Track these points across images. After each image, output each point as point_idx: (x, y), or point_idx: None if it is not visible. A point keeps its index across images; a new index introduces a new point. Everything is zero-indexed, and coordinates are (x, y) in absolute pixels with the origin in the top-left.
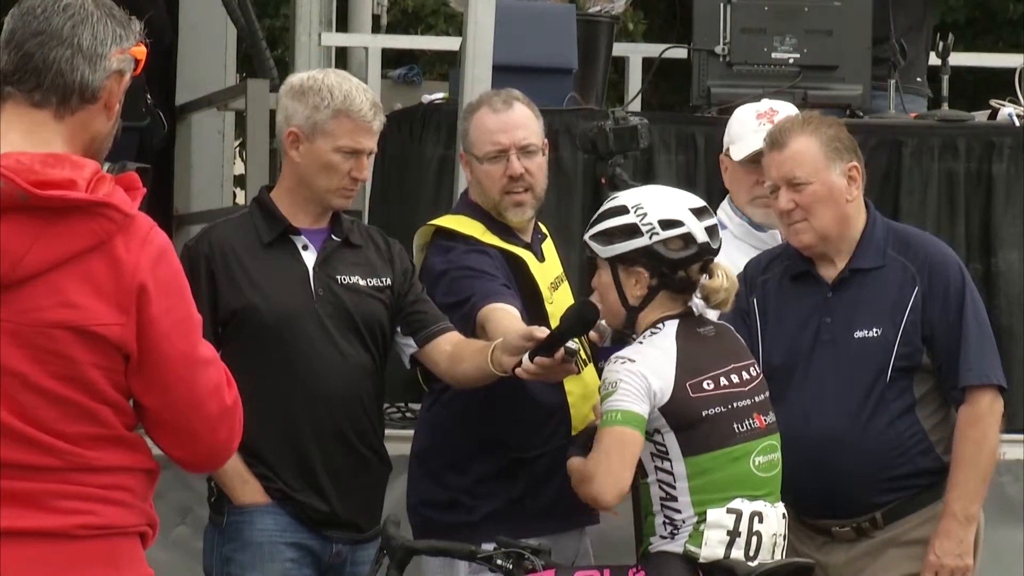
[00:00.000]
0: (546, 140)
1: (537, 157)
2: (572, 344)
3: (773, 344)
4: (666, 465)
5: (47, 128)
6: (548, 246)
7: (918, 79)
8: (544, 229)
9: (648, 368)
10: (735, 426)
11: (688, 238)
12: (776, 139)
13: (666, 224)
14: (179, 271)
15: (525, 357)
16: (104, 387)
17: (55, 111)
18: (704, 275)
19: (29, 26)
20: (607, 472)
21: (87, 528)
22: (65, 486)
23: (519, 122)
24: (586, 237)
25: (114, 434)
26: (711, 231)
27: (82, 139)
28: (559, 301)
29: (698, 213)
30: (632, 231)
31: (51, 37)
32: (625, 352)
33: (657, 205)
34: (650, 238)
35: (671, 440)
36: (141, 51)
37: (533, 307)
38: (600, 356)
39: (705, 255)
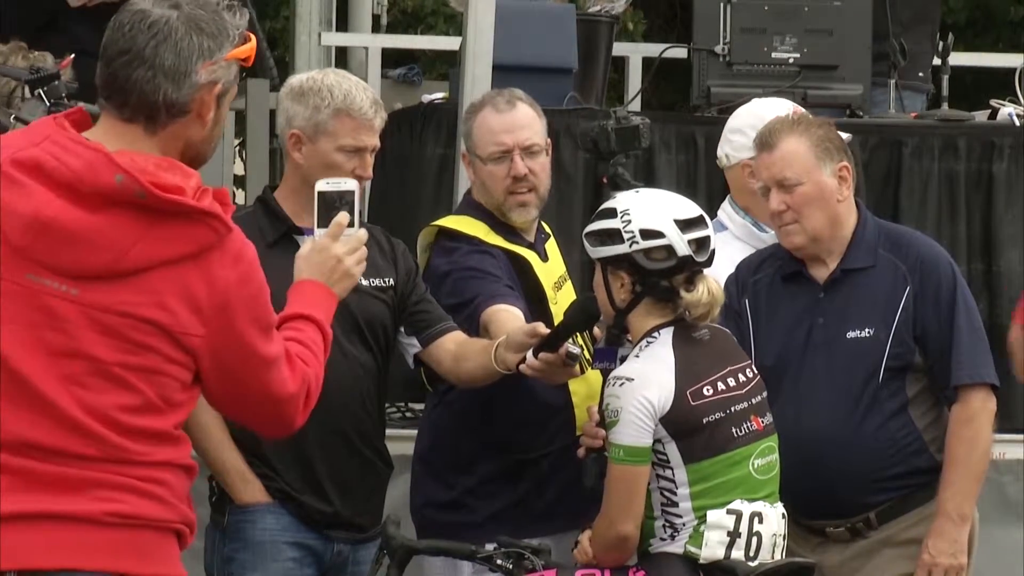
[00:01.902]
0: (549, 140)
1: (541, 157)
2: (574, 347)
3: (765, 345)
4: (667, 473)
5: (141, 141)
6: (551, 246)
7: (920, 74)
8: (547, 229)
9: (648, 386)
10: (733, 430)
11: (669, 250)
12: (766, 140)
13: (646, 234)
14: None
15: (529, 354)
16: (172, 390)
17: (144, 127)
18: (688, 286)
19: (116, 43)
20: (619, 509)
21: (115, 516)
22: (101, 475)
23: (523, 122)
24: (584, 234)
25: (163, 430)
26: (699, 243)
27: (176, 148)
28: (563, 301)
29: (685, 224)
30: (615, 236)
31: (134, 57)
32: (624, 370)
33: (642, 213)
34: (630, 246)
35: (672, 449)
36: (244, 50)
37: (537, 307)
38: (594, 356)
39: (688, 267)
